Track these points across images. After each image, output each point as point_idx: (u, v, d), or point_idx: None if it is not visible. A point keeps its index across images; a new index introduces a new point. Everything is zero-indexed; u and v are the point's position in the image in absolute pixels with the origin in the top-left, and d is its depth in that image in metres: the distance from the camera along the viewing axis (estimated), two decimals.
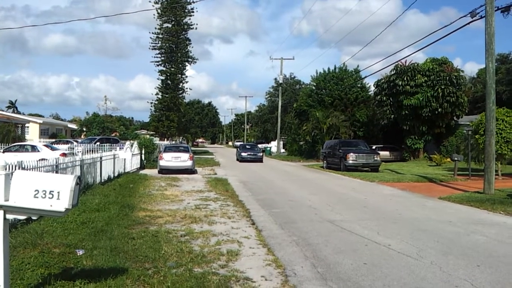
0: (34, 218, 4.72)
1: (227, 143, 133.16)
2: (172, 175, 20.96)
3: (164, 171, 22.06)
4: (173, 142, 45.87)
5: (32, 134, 46.61)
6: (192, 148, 76.76)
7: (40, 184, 4.06)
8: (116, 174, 18.14)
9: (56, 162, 11.08)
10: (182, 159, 22.14)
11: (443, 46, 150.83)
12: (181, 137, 78.99)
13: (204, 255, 6.67)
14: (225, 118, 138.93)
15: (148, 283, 5.34)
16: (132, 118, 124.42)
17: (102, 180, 15.75)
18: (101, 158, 15.82)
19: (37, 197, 4.04)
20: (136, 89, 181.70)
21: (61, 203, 4.10)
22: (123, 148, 22.27)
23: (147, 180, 18.15)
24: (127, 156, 20.48)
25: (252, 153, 36.97)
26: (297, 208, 11.75)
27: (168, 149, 23.72)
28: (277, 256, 6.74)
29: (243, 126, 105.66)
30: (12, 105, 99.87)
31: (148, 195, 13.48)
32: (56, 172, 10.95)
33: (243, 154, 36.82)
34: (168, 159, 22.06)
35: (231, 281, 5.52)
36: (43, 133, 49.64)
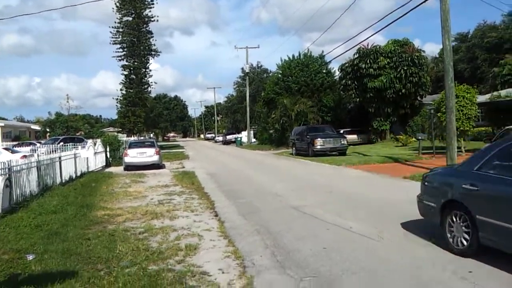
0: None
1: (198, 136, 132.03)
2: (138, 171, 20.49)
3: (130, 167, 21.54)
4: (142, 138, 45.10)
5: None
6: (163, 143, 76.13)
7: None
8: (78, 174, 17.60)
9: (8, 165, 10.54)
10: (148, 154, 21.68)
11: (403, 27, 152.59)
12: (151, 133, 77.84)
13: (161, 251, 6.45)
14: (195, 110, 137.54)
15: (98, 285, 5.10)
16: (100, 116, 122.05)
17: (63, 181, 15.23)
18: (60, 158, 15.27)
19: None
20: (100, 86, 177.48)
21: None
22: (85, 147, 21.63)
23: (111, 178, 17.67)
24: (89, 155, 19.89)
25: None
26: (262, 196, 11.63)
27: (133, 145, 23.17)
28: (237, 247, 6.58)
29: (213, 118, 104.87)
30: None
31: (110, 193, 13.09)
32: (9, 175, 10.44)
33: None
34: (133, 155, 21.55)
35: (187, 276, 5.32)
36: (6, 136, 47.81)
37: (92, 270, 5.64)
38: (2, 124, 49.94)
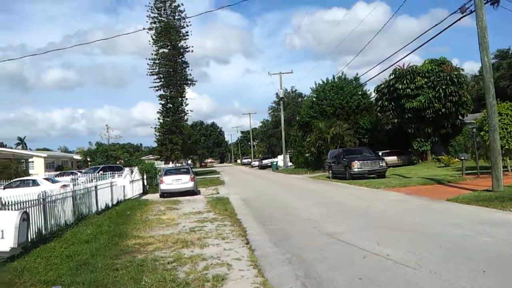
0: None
1: (235, 161, 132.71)
2: (173, 198, 20.56)
3: (166, 194, 21.68)
4: (178, 164, 45.63)
5: (38, 168, 46.57)
6: (200, 169, 76.75)
7: None
8: (114, 202, 17.77)
9: (43, 196, 10.70)
10: (183, 181, 21.74)
11: (440, 47, 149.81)
12: (188, 160, 78.69)
13: (187, 282, 6.21)
14: (232, 136, 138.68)
15: None
16: (141, 144, 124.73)
17: (99, 209, 15.38)
18: (96, 187, 15.46)
19: None
20: (140, 116, 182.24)
21: (6, 242, 3.72)
22: (121, 175, 21.92)
23: (147, 205, 17.75)
24: (125, 183, 20.12)
25: None
26: (295, 222, 11.25)
27: (168, 172, 23.34)
28: (266, 278, 6.26)
29: (249, 143, 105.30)
30: (21, 142, 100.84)
31: (144, 221, 13.06)
32: (44, 206, 10.58)
33: None
34: (169, 182, 21.68)
35: None
36: (49, 166, 49.59)
37: None
38: (45, 155, 51.87)
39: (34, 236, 9.86)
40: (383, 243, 7.84)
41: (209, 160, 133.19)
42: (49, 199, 11.02)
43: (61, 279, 6.75)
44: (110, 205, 16.96)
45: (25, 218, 3.79)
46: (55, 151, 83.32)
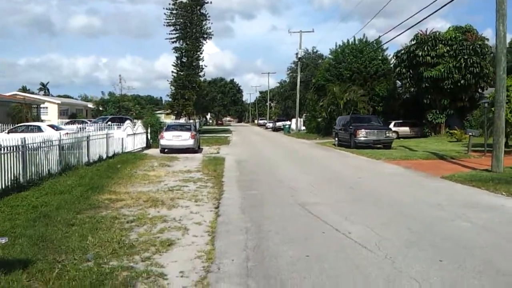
0: None
1: (253, 121, 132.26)
2: (173, 154, 20.42)
3: (166, 150, 21.56)
4: (191, 121, 45.43)
5: (51, 115, 46.95)
6: (214, 127, 76.60)
7: None
8: (110, 154, 17.70)
9: (22, 142, 10.53)
10: (183, 138, 21.49)
11: (472, 16, 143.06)
12: (203, 117, 78.35)
13: (133, 245, 5.99)
14: (250, 96, 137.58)
15: (42, 279, 4.69)
16: (161, 97, 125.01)
17: (91, 161, 15.31)
18: (88, 137, 15.33)
19: None
20: (162, 69, 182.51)
21: None
22: (120, 127, 21.79)
23: (142, 160, 17.65)
24: (124, 136, 19.98)
25: None
26: (277, 189, 10.93)
27: (170, 127, 23.07)
28: (214, 247, 5.99)
29: (267, 104, 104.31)
30: (44, 87, 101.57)
31: (129, 176, 12.93)
32: (23, 153, 10.44)
33: None
34: (169, 138, 21.48)
35: (140, 278, 4.81)
36: (63, 113, 49.92)
37: (50, 261, 5.28)
38: (59, 102, 52.12)
39: (9, 183, 9.81)
40: (352, 219, 7.47)
41: (227, 118, 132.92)
42: (29, 147, 10.87)
43: (14, 230, 6.64)
44: (104, 157, 16.89)
45: None
46: (75, 99, 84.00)
